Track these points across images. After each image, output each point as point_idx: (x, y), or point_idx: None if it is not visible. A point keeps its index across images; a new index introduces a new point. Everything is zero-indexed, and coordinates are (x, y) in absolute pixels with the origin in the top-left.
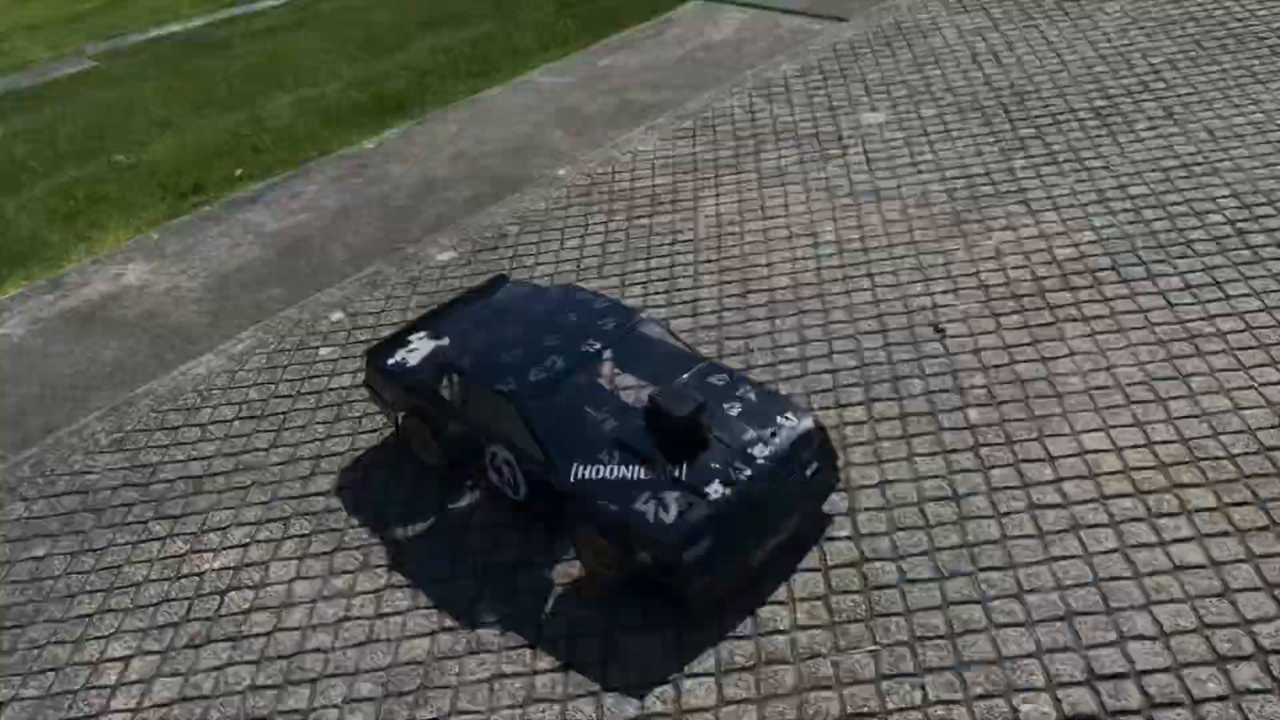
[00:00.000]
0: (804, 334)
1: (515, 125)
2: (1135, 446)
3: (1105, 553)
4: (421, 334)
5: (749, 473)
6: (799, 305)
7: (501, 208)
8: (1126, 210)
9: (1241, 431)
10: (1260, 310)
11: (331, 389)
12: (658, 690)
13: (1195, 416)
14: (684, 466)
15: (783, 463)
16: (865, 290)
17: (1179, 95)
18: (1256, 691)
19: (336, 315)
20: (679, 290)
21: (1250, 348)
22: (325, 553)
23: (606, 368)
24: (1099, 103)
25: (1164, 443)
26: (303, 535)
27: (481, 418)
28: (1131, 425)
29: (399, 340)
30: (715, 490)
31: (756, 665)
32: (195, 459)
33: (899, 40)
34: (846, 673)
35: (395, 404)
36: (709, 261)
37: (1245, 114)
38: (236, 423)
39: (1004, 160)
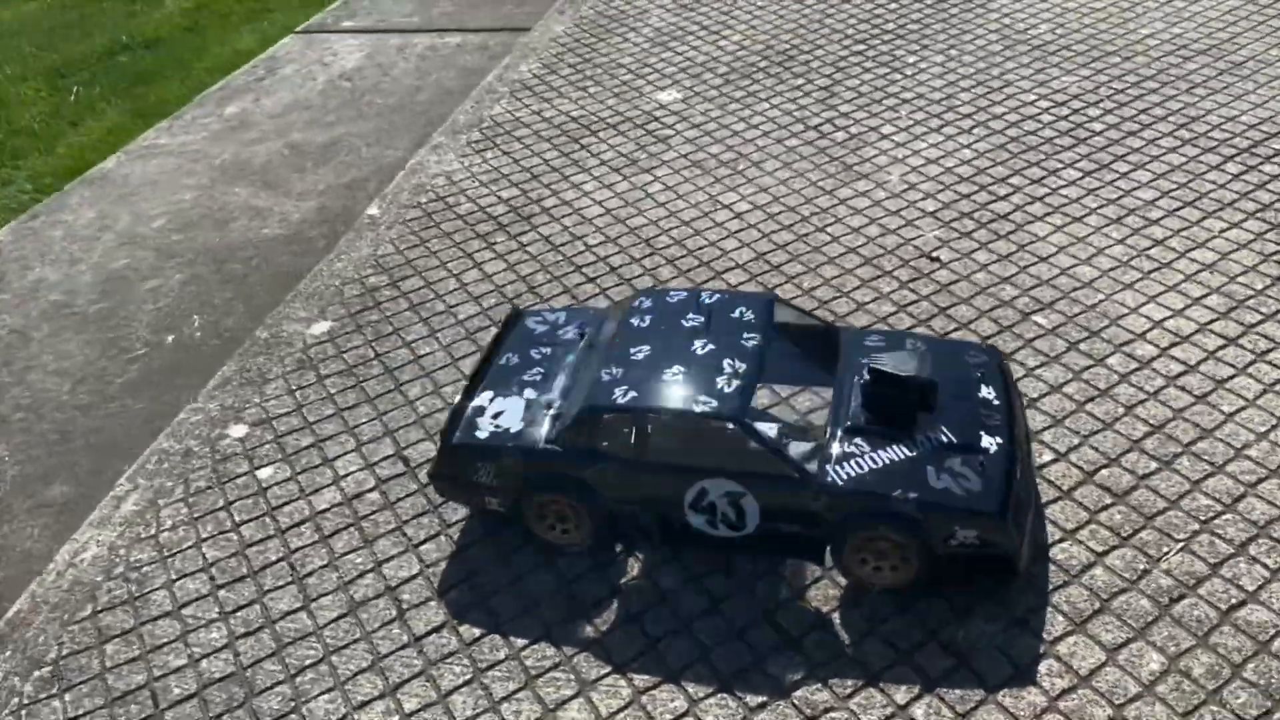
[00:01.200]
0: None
1: (181, 192)
2: None
3: None
4: (488, 395)
5: (995, 416)
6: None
7: (339, 260)
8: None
9: None
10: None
11: (323, 510)
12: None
13: None
14: (941, 429)
15: (1004, 393)
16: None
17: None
18: None
19: (239, 431)
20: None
21: None
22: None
23: (776, 358)
24: (871, 44)
25: None
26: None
27: (674, 457)
28: None
29: (464, 413)
30: (988, 442)
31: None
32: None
33: (620, 27)
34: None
35: (506, 486)
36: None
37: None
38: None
39: (826, 106)
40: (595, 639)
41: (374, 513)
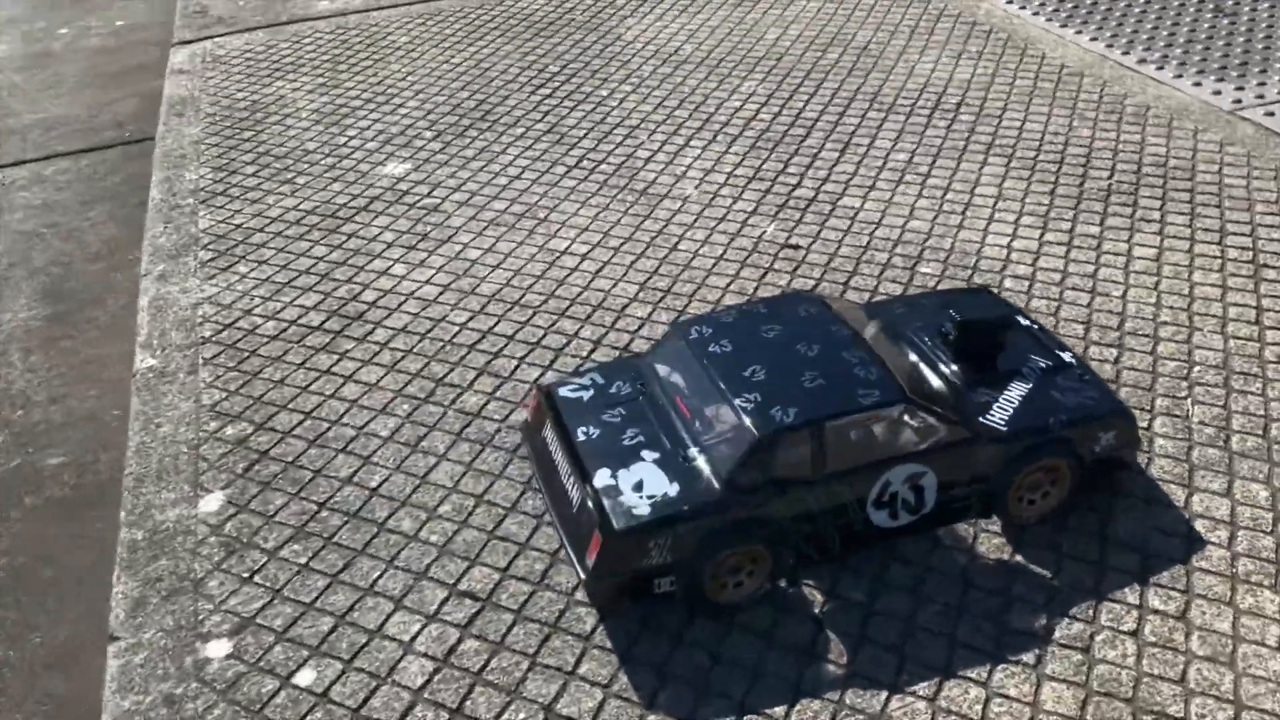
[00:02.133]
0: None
1: None
2: None
3: None
4: (606, 473)
5: (1044, 336)
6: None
7: (155, 428)
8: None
9: None
10: None
11: (424, 684)
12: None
13: None
14: (1029, 358)
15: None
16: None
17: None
18: None
19: (220, 648)
20: None
21: None
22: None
23: (870, 340)
24: (551, 84)
25: None
26: None
27: (855, 459)
28: None
29: (602, 500)
30: (1066, 356)
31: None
32: None
33: (267, 117)
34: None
35: (681, 558)
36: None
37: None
38: None
39: (565, 144)
40: (852, 671)
41: (488, 661)
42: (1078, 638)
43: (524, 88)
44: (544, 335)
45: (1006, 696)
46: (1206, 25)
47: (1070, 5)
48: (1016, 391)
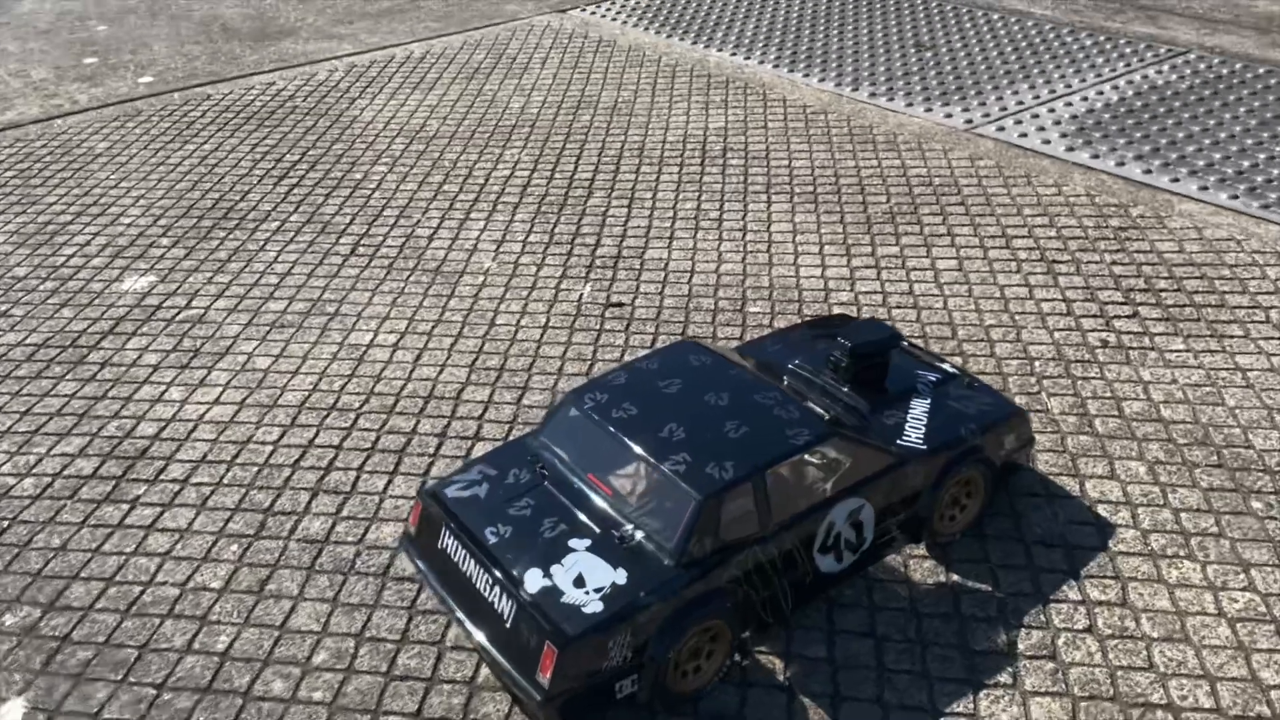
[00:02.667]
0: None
1: None
2: None
3: None
4: (537, 574)
5: (915, 349)
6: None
7: None
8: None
9: None
10: None
11: None
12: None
13: None
14: (916, 374)
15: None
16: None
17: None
18: None
19: None
20: None
21: None
22: None
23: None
24: (278, 173)
25: None
26: None
27: (798, 504)
28: None
29: (542, 606)
30: (947, 367)
31: None
32: None
33: None
34: None
35: (639, 656)
36: None
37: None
38: None
39: (333, 234)
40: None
41: None
42: (1041, 646)
43: (264, 180)
44: (378, 438)
45: None
46: (915, 62)
47: (790, 53)
48: (919, 409)
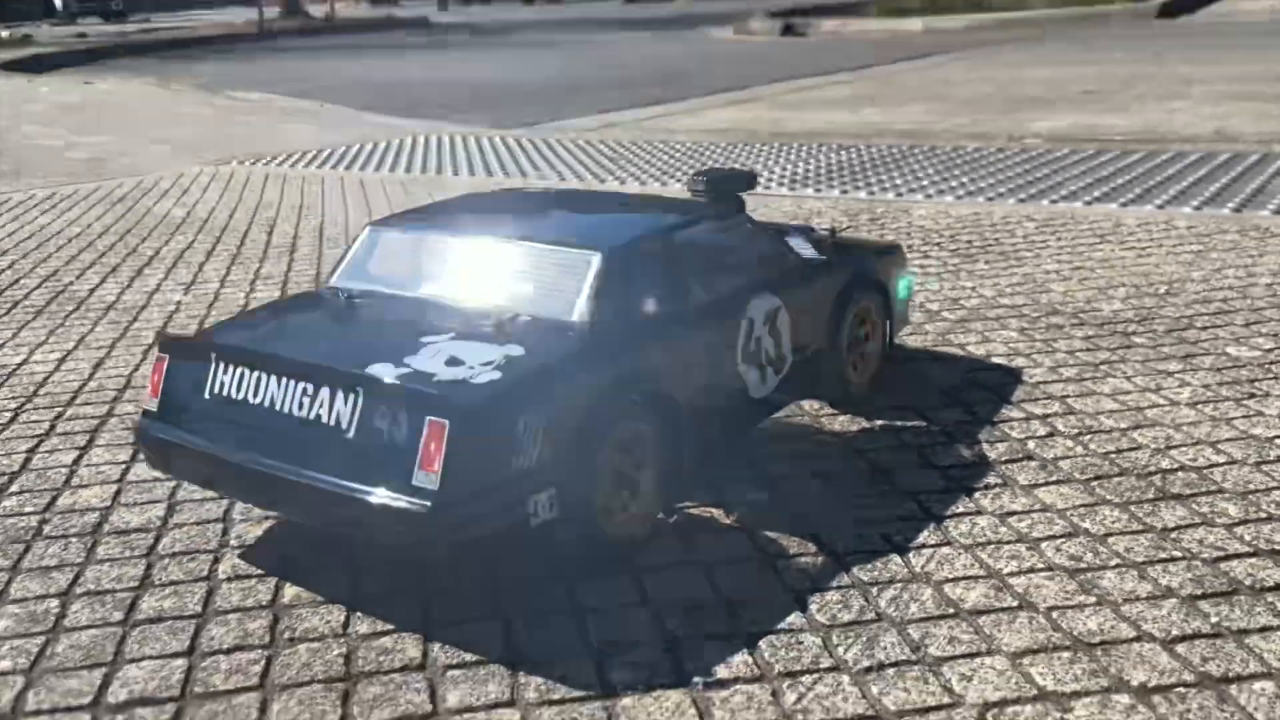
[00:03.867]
0: None
1: None
2: None
3: None
4: (395, 364)
5: None
6: None
7: None
8: None
9: None
10: None
11: None
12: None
13: None
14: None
15: None
16: None
17: None
18: None
19: None
20: None
21: None
22: None
23: None
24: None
25: None
26: None
27: (716, 286)
28: None
29: (439, 376)
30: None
31: None
32: None
33: None
34: None
35: (559, 454)
36: None
37: None
38: None
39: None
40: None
41: None
42: (1012, 452)
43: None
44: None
45: (1010, 513)
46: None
47: None
48: (798, 237)
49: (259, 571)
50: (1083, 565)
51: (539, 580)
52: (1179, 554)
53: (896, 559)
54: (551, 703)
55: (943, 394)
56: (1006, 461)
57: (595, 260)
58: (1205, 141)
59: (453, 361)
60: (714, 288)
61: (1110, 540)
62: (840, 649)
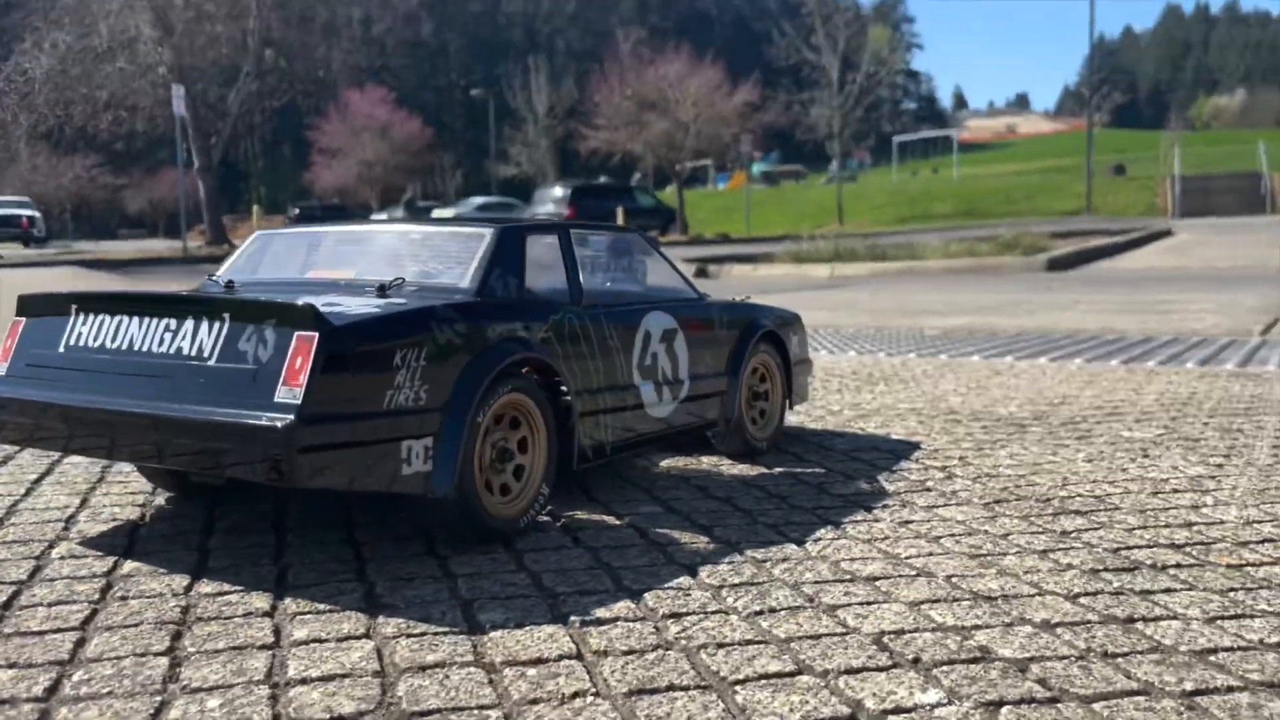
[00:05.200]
0: None
1: None
2: None
3: None
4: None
5: None
6: None
7: None
8: None
9: None
10: None
11: None
12: None
13: None
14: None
15: None
16: None
17: None
18: None
19: None
20: None
21: None
22: None
23: None
24: None
25: None
26: None
27: (612, 292)
28: None
29: (322, 305)
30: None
31: None
32: None
33: None
34: None
35: (435, 394)
36: None
37: None
38: None
39: None
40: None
41: None
42: (911, 487)
43: None
44: None
45: (908, 522)
46: None
47: None
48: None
49: (96, 552)
50: (983, 552)
51: (408, 553)
52: (1079, 545)
53: (792, 546)
54: (411, 635)
55: (843, 454)
56: (906, 492)
57: (489, 235)
58: (1092, 333)
59: (334, 305)
60: (609, 289)
61: (1010, 538)
62: (730, 600)
